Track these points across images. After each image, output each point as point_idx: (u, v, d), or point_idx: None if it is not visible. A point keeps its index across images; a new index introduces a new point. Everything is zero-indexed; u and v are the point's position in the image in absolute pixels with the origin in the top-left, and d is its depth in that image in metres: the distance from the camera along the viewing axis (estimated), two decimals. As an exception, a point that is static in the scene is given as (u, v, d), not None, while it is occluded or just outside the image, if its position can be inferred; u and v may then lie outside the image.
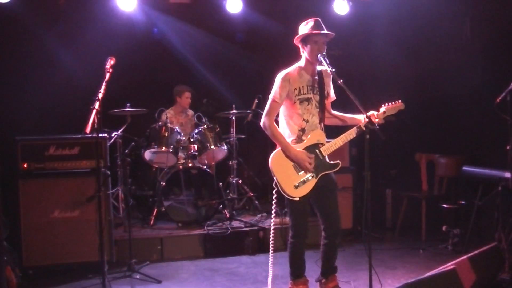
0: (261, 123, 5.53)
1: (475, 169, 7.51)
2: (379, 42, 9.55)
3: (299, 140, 5.48)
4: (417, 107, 8.97)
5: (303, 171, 5.41)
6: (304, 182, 5.40)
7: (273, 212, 5.72)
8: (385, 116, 5.57)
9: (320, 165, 5.47)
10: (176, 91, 9.17)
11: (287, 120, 5.57)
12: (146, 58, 9.76)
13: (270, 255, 5.82)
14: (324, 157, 5.49)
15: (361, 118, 5.53)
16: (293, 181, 5.39)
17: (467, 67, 8.16)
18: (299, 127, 5.49)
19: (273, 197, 5.57)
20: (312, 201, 5.62)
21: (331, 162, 5.54)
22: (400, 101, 5.64)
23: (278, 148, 5.48)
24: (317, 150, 5.46)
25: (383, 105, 5.62)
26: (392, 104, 5.63)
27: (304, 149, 5.43)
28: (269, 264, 5.84)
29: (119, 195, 8.48)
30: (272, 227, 5.79)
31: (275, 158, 5.45)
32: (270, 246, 5.80)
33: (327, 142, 5.54)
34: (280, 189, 5.39)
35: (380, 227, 8.77)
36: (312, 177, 5.42)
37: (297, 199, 5.40)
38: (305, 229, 5.62)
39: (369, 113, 5.38)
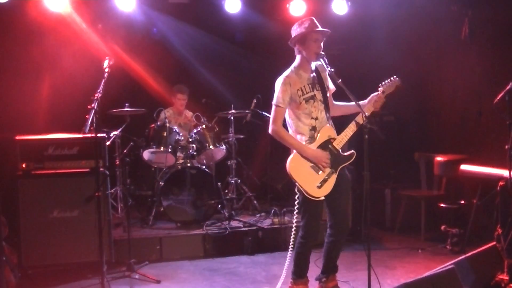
0: (270, 131, 5.51)
1: (474, 169, 7.50)
2: (378, 42, 9.56)
3: (311, 140, 5.47)
4: (416, 106, 9.00)
5: (322, 170, 5.41)
6: (325, 180, 5.39)
7: (295, 215, 5.67)
8: (386, 95, 5.58)
9: (336, 160, 5.46)
10: (171, 91, 9.16)
11: (295, 123, 5.54)
12: (145, 57, 9.76)
13: (288, 254, 5.79)
14: (338, 150, 5.49)
15: (364, 102, 5.55)
16: (315, 181, 5.38)
17: (466, 66, 8.16)
18: (309, 126, 5.48)
19: (296, 202, 5.49)
20: (325, 199, 5.57)
21: (346, 154, 5.54)
22: (395, 76, 5.65)
23: (293, 153, 5.46)
24: (330, 146, 5.46)
25: (380, 85, 5.62)
26: (388, 81, 5.63)
27: (317, 147, 5.43)
28: (286, 264, 5.83)
29: (118, 195, 8.48)
30: (294, 227, 5.74)
31: (292, 163, 5.42)
32: (290, 246, 5.74)
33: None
34: (304, 193, 5.35)
35: (379, 227, 8.78)
36: (332, 173, 5.43)
37: (322, 198, 5.40)
38: (317, 230, 5.60)
39: (369, 97, 5.49)
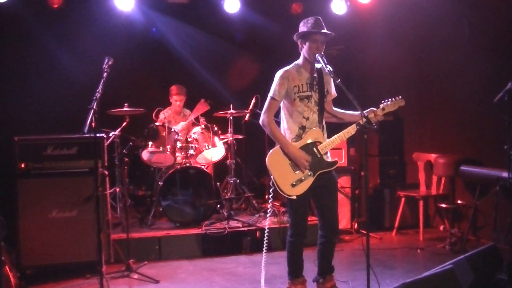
0: (260, 121, 5.57)
1: (473, 169, 7.52)
2: (377, 42, 9.58)
3: (298, 138, 5.49)
4: (415, 106, 8.99)
5: (299, 170, 5.42)
6: (301, 180, 5.41)
7: (268, 210, 5.70)
8: (385, 113, 5.58)
9: (317, 164, 5.47)
10: (169, 92, 9.13)
11: (287, 119, 5.57)
12: (144, 57, 9.77)
13: (263, 255, 5.84)
14: (321, 155, 5.49)
15: (356, 114, 5.55)
16: (290, 179, 5.40)
17: (465, 67, 8.16)
18: (299, 125, 5.49)
19: (270, 196, 5.57)
20: (312, 200, 5.62)
21: (329, 160, 5.55)
22: (400, 96, 5.63)
23: (276, 147, 5.49)
24: (314, 149, 5.47)
25: (382, 101, 5.62)
26: (392, 100, 5.62)
27: (301, 147, 5.44)
28: (262, 264, 5.86)
29: (117, 195, 8.47)
30: (267, 227, 5.78)
31: (272, 157, 5.47)
32: (264, 245, 5.81)
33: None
34: (277, 188, 5.41)
35: (378, 226, 8.76)
36: (310, 175, 5.43)
37: (294, 197, 5.41)
38: (304, 228, 5.62)
39: (367, 110, 5.42)
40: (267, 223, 5.87)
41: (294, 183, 5.41)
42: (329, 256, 5.76)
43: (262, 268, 5.93)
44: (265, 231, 5.86)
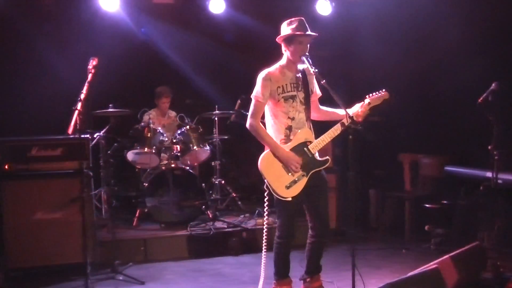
0: (247, 125, 5.49)
1: (458, 169, 7.56)
2: (363, 42, 9.57)
3: (287, 139, 5.47)
4: (400, 107, 9.01)
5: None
6: (295, 181, 5.38)
7: (265, 212, 5.65)
8: (371, 107, 5.59)
9: (309, 163, 5.45)
10: (155, 93, 9.13)
11: (273, 120, 5.54)
12: (129, 58, 9.72)
13: (262, 256, 5.77)
14: (313, 154, 5.48)
15: (343, 112, 5.51)
16: (284, 181, 5.37)
17: (451, 68, 8.19)
18: (285, 126, 5.47)
19: (265, 199, 5.52)
20: (303, 200, 5.59)
21: (320, 159, 5.54)
22: (384, 90, 5.65)
23: (267, 150, 5.46)
24: (305, 148, 5.45)
25: (367, 96, 5.63)
26: (376, 94, 5.64)
27: (292, 148, 5.41)
28: (262, 265, 5.81)
29: (102, 196, 8.43)
30: (265, 227, 5.72)
31: (264, 160, 5.42)
32: (263, 247, 5.73)
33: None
34: (272, 191, 5.36)
35: (364, 227, 8.77)
36: (303, 176, 5.41)
37: (289, 199, 5.38)
38: (293, 230, 5.59)
39: (353, 109, 5.44)
40: (265, 223, 5.75)
41: (289, 184, 5.38)
42: (318, 255, 5.75)
43: (261, 270, 5.86)
44: (264, 232, 5.74)
